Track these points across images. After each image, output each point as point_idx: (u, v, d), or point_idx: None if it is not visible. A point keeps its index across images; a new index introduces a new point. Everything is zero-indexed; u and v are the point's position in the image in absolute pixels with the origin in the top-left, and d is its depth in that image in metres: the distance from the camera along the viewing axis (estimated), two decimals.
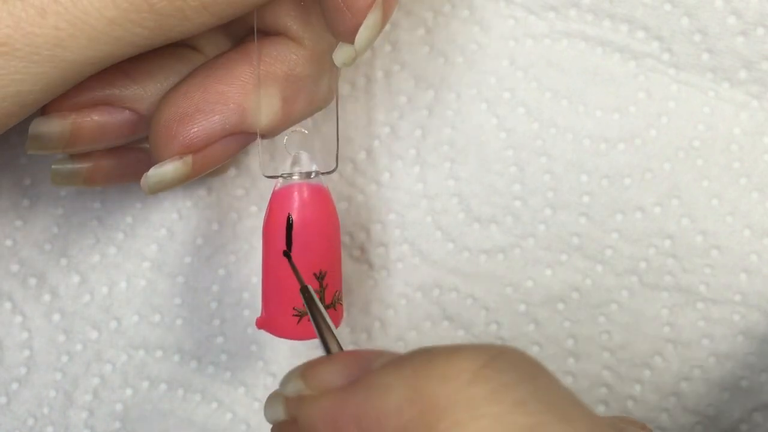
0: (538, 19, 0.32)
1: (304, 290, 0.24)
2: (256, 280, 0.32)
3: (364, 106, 0.32)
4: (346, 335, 0.32)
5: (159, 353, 0.32)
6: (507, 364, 0.18)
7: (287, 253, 0.26)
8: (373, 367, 0.20)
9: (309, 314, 0.24)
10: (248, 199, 0.32)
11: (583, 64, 0.32)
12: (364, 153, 0.32)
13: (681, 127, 0.32)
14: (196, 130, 0.25)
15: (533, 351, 0.32)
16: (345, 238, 0.32)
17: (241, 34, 0.27)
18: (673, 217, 0.32)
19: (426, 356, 0.19)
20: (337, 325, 0.28)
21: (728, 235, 0.32)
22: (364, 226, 0.32)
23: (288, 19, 0.26)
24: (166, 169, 0.25)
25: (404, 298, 0.32)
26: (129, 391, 0.32)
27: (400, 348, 0.32)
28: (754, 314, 0.31)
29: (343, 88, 0.32)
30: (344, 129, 0.32)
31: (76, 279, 0.32)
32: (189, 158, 0.26)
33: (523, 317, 0.32)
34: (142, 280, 0.32)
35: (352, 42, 0.24)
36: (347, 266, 0.32)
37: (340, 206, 0.32)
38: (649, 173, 0.32)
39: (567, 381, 0.32)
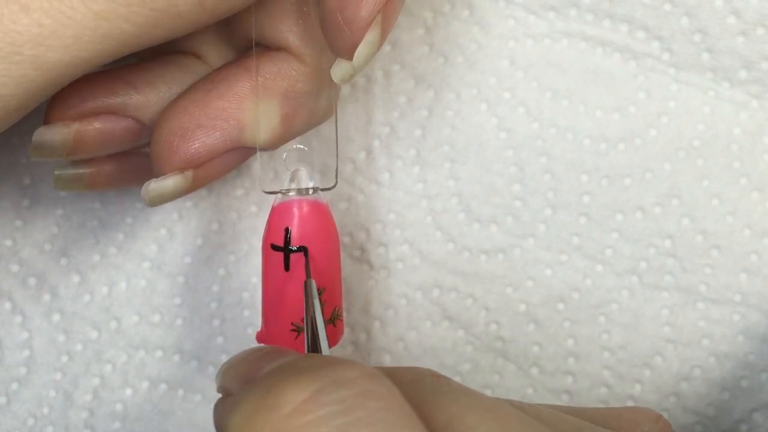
0: (538, 19, 0.32)
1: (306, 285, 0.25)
2: (256, 280, 0.32)
3: (363, 107, 0.32)
4: (346, 335, 0.32)
5: (159, 353, 0.32)
6: (332, 396, 0.18)
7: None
8: (258, 375, 0.21)
9: (305, 307, 0.24)
10: (248, 199, 0.32)
11: (583, 64, 0.32)
12: (364, 153, 0.32)
13: (681, 127, 0.32)
14: (197, 146, 0.25)
15: (533, 351, 0.32)
16: (345, 239, 0.32)
17: (244, 45, 0.27)
18: (673, 217, 0.32)
19: (271, 380, 0.19)
20: (336, 341, 0.28)
21: (728, 235, 0.32)
22: (364, 226, 0.32)
23: (290, 35, 0.26)
24: (167, 183, 0.26)
25: (404, 298, 0.32)
26: (129, 391, 0.32)
27: (400, 348, 0.32)
28: (754, 314, 0.31)
29: (343, 89, 0.32)
30: (344, 129, 0.32)
31: (76, 279, 0.32)
32: (190, 173, 0.26)
33: (523, 317, 0.32)
34: (142, 280, 0.32)
35: (350, 59, 0.24)
36: (347, 266, 0.32)
37: (340, 206, 0.32)
38: (649, 173, 0.32)
39: (567, 381, 0.32)
